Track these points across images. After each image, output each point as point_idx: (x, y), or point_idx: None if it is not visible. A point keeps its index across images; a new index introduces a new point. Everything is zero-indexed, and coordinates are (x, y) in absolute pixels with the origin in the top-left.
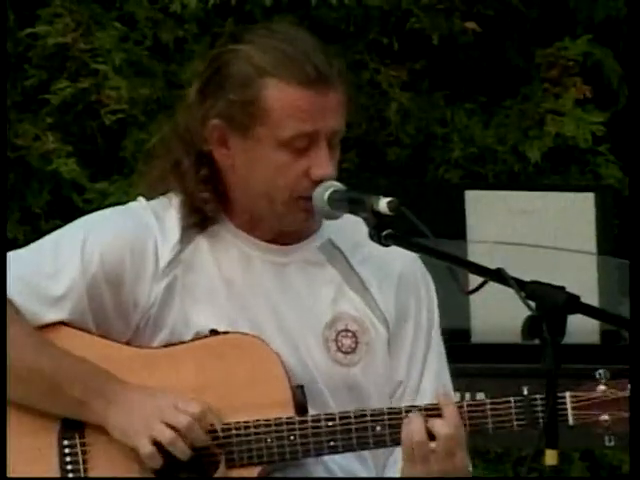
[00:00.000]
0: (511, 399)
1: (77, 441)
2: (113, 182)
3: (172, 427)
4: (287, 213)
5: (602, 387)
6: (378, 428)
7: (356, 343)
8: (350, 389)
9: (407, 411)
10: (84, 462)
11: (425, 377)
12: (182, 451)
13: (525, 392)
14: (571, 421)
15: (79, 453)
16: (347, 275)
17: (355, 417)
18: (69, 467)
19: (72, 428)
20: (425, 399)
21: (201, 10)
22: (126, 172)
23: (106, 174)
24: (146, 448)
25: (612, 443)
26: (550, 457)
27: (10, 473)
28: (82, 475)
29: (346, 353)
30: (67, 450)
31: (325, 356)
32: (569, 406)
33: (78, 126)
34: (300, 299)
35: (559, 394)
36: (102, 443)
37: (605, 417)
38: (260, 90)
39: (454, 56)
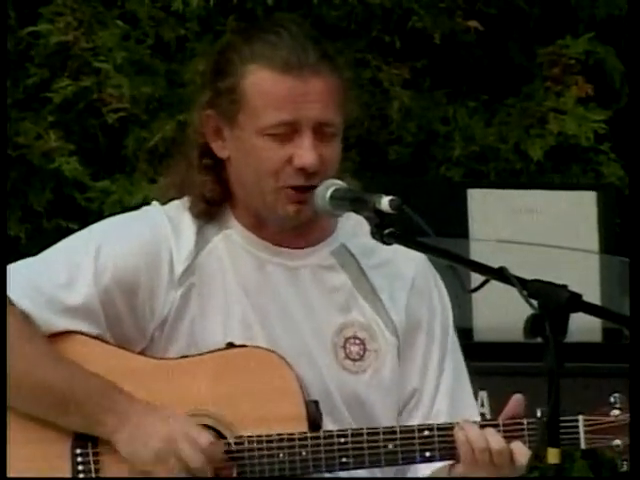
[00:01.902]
0: (524, 421)
1: (90, 450)
2: (115, 181)
3: (185, 463)
4: (276, 204)
5: (616, 412)
6: (390, 446)
7: (364, 350)
8: (356, 396)
9: (420, 430)
10: (96, 471)
11: (442, 386)
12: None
13: (538, 414)
14: (583, 445)
15: (91, 462)
16: (358, 281)
17: (367, 434)
18: (82, 475)
19: (85, 438)
20: (442, 407)
21: (203, 8)
22: (128, 170)
23: (108, 172)
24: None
25: (625, 468)
26: (552, 455)
27: None
28: None
29: (354, 360)
30: (79, 459)
31: (333, 362)
32: (582, 430)
33: (80, 125)
34: (311, 304)
35: (572, 417)
36: (115, 453)
37: (617, 442)
38: (241, 77)
39: (456, 54)
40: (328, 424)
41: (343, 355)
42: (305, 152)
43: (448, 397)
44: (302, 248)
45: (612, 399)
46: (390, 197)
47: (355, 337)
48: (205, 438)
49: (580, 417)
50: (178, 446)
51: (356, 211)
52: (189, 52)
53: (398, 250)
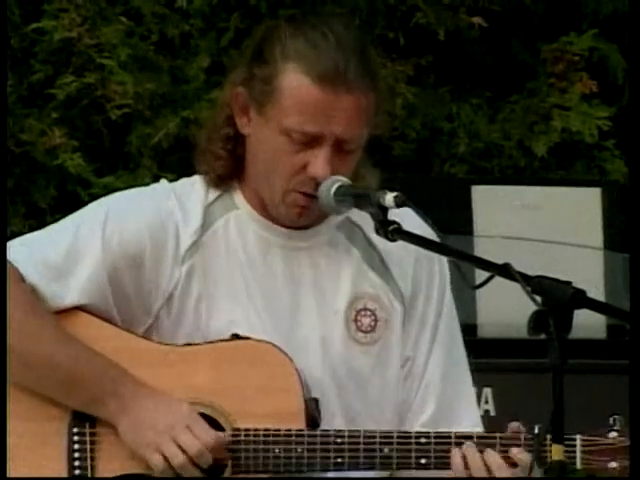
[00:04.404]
0: (521, 437)
1: (87, 430)
2: (118, 177)
3: (183, 450)
4: (281, 204)
5: (614, 434)
6: (386, 450)
7: (375, 321)
8: (371, 368)
9: (417, 437)
10: (92, 451)
11: (434, 353)
12: (191, 474)
13: (536, 430)
14: (579, 465)
15: (87, 442)
16: (366, 252)
17: (364, 437)
18: (76, 455)
19: (83, 417)
20: (434, 377)
21: (206, 5)
22: (131, 167)
23: (112, 169)
24: (159, 464)
25: None
26: (556, 452)
27: (18, 455)
28: (88, 463)
29: (366, 332)
30: (76, 438)
31: (346, 336)
32: (578, 450)
33: (84, 121)
34: (321, 282)
35: (570, 436)
36: (112, 434)
37: (613, 465)
38: (278, 71)
39: (460, 51)
40: (336, 404)
41: (355, 328)
42: (320, 164)
43: (441, 369)
44: (308, 228)
45: (611, 420)
46: (394, 193)
47: (366, 309)
48: (209, 434)
49: (578, 437)
50: (178, 433)
51: (360, 207)
52: (193, 49)
53: (404, 220)
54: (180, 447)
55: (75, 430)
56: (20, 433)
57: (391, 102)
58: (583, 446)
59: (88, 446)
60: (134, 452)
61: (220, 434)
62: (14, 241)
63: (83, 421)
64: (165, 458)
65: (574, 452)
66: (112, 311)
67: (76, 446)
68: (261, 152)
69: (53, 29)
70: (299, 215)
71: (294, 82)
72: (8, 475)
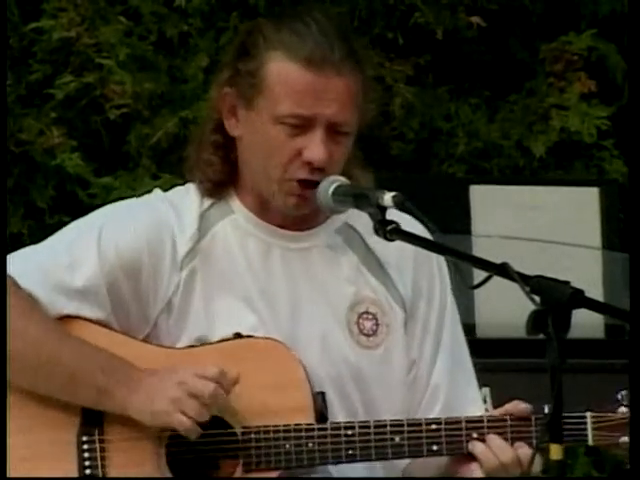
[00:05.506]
0: (532, 417)
1: (96, 437)
2: (117, 177)
3: (197, 397)
4: (279, 193)
5: (624, 409)
6: (397, 439)
7: (377, 325)
8: (373, 371)
9: (427, 424)
10: (102, 459)
11: (440, 356)
12: (205, 417)
13: (546, 410)
14: (590, 441)
15: (97, 449)
16: (365, 257)
17: (375, 427)
18: (87, 463)
19: (92, 424)
20: (441, 380)
21: (205, 4)
22: (130, 167)
23: (110, 169)
24: (186, 423)
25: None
26: (555, 452)
27: (28, 467)
28: (99, 471)
29: (368, 335)
30: (86, 446)
31: (349, 339)
32: (589, 427)
33: (82, 121)
34: (321, 284)
35: (580, 414)
36: (121, 440)
37: (624, 439)
38: (264, 62)
39: (459, 51)
40: (337, 404)
41: (357, 331)
42: (315, 147)
43: (447, 371)
44: (307, 229)
45: (619, 396)
46: (393, 193)
47: (367, 312)
48: (212, 369)
49: (588, 414)
50: (189, 384)
51: (359, 207)
52: (192, 48)
53: (402, 223)
54: (194, 396)
55: (84, 439)
56: (28, 444)
57: (379, 91)
58: (594, 423)
59: (98, 454)
60: (143, 445)
61: (223, 370)
62: (11, 255)
63: (92, 428)
64: (187, 415)
65: (585, 429)
66: (111, 321)
67: (86, 454)
68: (255, 147)
69: (52, 29)
70: (297, 205)
71: (282, 69)
72: (8, 475)
